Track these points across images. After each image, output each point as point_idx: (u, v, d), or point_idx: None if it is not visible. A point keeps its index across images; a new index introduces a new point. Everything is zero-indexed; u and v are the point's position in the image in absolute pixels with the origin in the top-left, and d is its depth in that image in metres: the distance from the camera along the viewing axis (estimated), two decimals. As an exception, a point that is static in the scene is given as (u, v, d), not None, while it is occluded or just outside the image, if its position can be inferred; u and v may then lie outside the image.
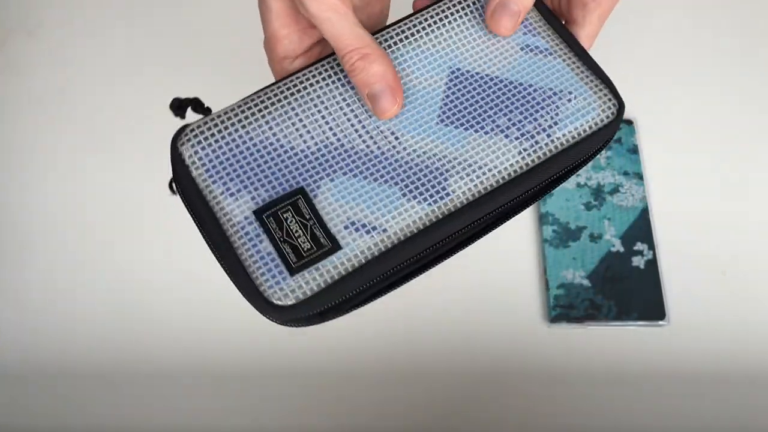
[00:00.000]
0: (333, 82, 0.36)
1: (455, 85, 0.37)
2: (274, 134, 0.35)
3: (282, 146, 0.35)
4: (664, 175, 0.60)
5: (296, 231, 0.33)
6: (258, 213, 0.33)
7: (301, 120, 0.35)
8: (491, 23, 0.37)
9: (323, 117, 0.36)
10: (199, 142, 0.34)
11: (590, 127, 0.37)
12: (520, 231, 0.58)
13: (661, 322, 0.54)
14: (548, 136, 0.37)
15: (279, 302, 0.32)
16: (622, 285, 0.55)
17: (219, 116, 0.35)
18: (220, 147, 0.34)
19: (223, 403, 0.54)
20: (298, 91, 0.36)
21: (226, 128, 0.35)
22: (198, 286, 0.57)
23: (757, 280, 0.56)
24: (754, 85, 0.64)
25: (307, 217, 0.33)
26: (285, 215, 0.33)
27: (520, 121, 0.37)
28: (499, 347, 0.55)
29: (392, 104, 0.35)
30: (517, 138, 0.36)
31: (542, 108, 0.37)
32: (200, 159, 0.34)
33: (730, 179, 0.60)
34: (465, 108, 0.37)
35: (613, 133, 0.37)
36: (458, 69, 0.38)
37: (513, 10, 0.37)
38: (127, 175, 0.62)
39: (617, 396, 0.53)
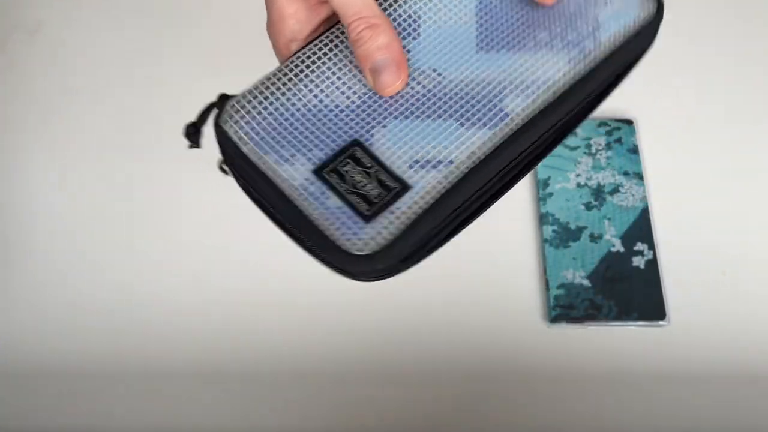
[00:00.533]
0: None
1: (486, 10, 0.37)
2: (315, 95, 0.34)
3: (326, 105, 0.34)
4: (664, 175, 0.60)
5: (360, 181, 0.32)
6: (317, 171, 0.32)
7: (339, 77, 0.35)
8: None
9: (360, 70, 0.35)
10: (242, 117, 0.34)
11: (633, 26, 0.36)
12: (520, 231, 0.58)
13: (661, 322, 0.54)
14: (594, 40, 0.36)
15: (360, 252, 0.31)
16: (622, 285, 0.55)
17: (256, 88, 0.34)
18: (264, 118, 0.34)
19: (223, 403, 0.54)
20: (330, 49, 0.35)
21: (266, 98, 0.34)
22: (198, 286, 0.57)
23: (757, 280, 0.56)
24: (755, 85, 0.64)
25: (369, 165, 0.33)
26: (345, 168, 0.32)
27: (561, 32, 0.36)
28: (499, 347, 0.55)
29: (396, 79, 0.34)
30: (562, 48, 0.35)
31: (581, 16, 0.36)
32: (247, 134, 0.33)
33: (731, 179, 0.60)
34: (502, 31, 0.36)
35: (655, 31, 0.37)
36: None
37: None
38: (128, 174, 0.62)
39: (617, 396, 0.53)
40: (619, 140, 0.61)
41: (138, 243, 0.59)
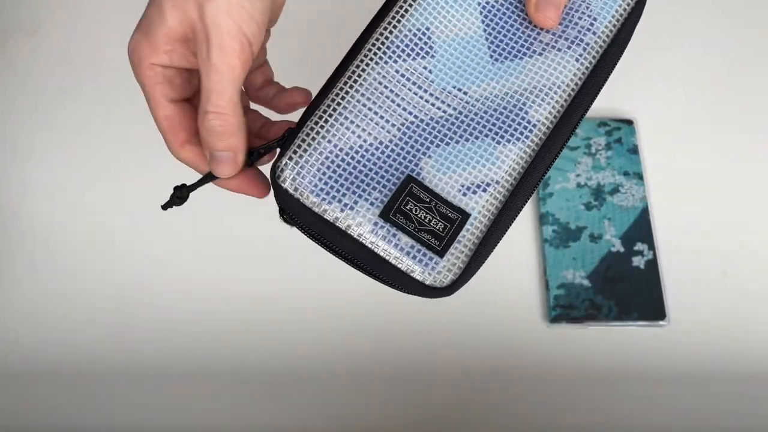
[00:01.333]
0: (385, 62, 0.36)
1: (491, 19, 0.37)
2: (357, 135, 0.35)
3: (370, 143, 0.35)
4: (664, 175, 0.60)
5: (425, 217, 0.34)
6: (384, 215, 0.34)
7: (374, 111, 0.35)
8: (535, 17, 0.37)
9: (392, 100, 0.35)
10: (298, 172, 0.34)
11: (625, 9, 0.38)
12: (520, 231, 0.58)
13: (661, 322, 0.54)
14: (594, 33, 0.37)
15: (442, 285, 0.34)
16: (622, 285, 0.55)
17: (301, 139, 0.35)
18: (318, 169, 0.34)
19: (223, 403, 0.54)
20: (357, 82, 0.35)
21: (314, 148, 0.34)
22: (198, 287, 0.57)
23: (757, 280, 0.56)
24: (755, 84, 0.64)
25: (427, 200, 0.34)
26: (408, 207, 0.34)
27: (563, 31, 0.37)
28: (499, 347, 0.55)
29: (232, 171, 0.35)
30: (568, 47, 0.37)
31: (576, 10, 0.37)
32: (306, 187, 0.34)
33: (730, 179, 0.60)
34: (510, 38, 0.37)
35: (641, 10, 0.38)
36: (487, 2, 0.37)
37: (555, 1, 0.36)
38: (127, 175, 0.62)
39: (617, 396, 0.53)
40: (619, 140, 0.61)
41: (138, 243, 0.59)
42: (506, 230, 0.35)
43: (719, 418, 0.52)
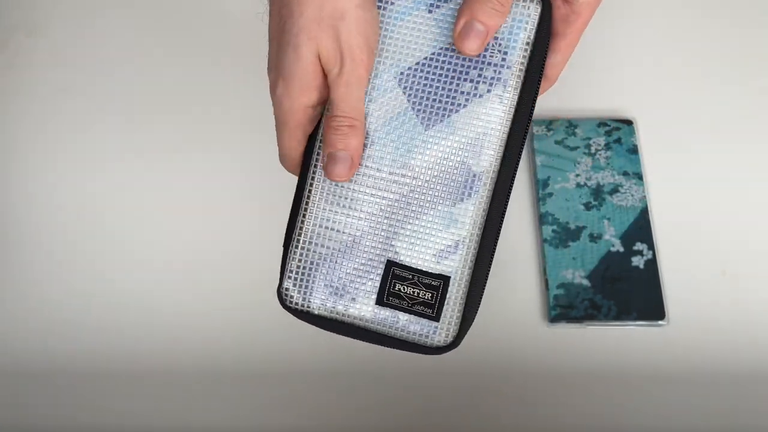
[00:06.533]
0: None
1: (409, 88, 0.39)
2: (334, 240, 0.39)
3: (349, 238, 0.39)
4: (664, 175, 0.60)
5: (413, 291, 0.39)
6: (379, 302, 0.39)
7: (338, 214, 0.39)
8: (457, 45, 0.38)
9: (348, 197, 0.39)
10: (300, 292, 0.40)
11: (531, 31, 0.38)
12: (520, 231, 0.58)
13: (660, 322, 0.54)
14: (508, 68, 0.38)
15: (445, 343, 0.39)
16: (622, 285, 0.55)
17: (292, 264, 0.40)
18: (316, 283, 0.39)
19: (223, 404, 0.54)
20: (313, 192, 0.39)
21: (305, 267, 0.39)
22: (198, 287, 0.57)
23: (757, 280, 0.56)
24: (755, 84, 0.64)
25: (410, 276, 0.39)
26: (396, 288, 0.39)
27: (479, 75, 0.38)
28: (498, 347, 0.55)
29: (345, 174, 0.38)
30: (488, 90, 0.38)
31: (486, 49, 0.38)
32: (308, 302, 0.40)
33: (730, 179, 0.60)
34: (433, 100, 0.38)
35: (548, 29, 0.39)
36: (401, 73, 0.39)
37: (479, 30, 0.37)
38: (128, 174, 0.62)
39: (617, 396, 0.53)
40: (618, 140, 0.61)
41: (138, 243, 0.59)
42: (488, 270, 0.39)
43: (719, 418, 0.52)
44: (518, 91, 0.38)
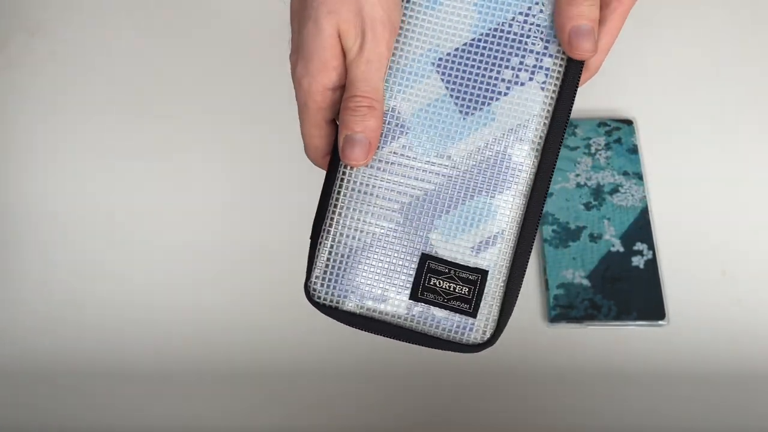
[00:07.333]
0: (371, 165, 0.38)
1: (448, 74, 0.37)
2: (366, 232, 0.37)
3: (380, 236, 0.37)
4: (664, 175, 0.60)
5: (449, 286, 0.37)
6: (413, 296, 0.37)
7: (372, 205, 0.37)
8: (572, 53, 0.37)
9: (384, 188, 0.37)
10: (329, 286, 0.37)
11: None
12: (519, 231, 0.58)
13: (660, 322, 0.54)
14: (550, 56, 0.37)
15: (482, 340, 0.37)
16: (622, 285, 0.55)
17: (321, 256, 0.38)
18: (346, 278, 0.37)
19: (223, 404, 0.54)
20: (347, 185, 0.37)
21: (335, 260, 0.37)
22: (198, 287, 0.57)
23: (757, 280, 0.56)
24: (755, 84, 0.64)
25: (446, 270, 0.37)
26: (431, 282, 0.37)
27: (520, 62, 0.37)
28: (498, 347, 0.54)
29: (362, 157, 0.37)
30: (530, 78, 0.37)
31: (527, 36, 0.37)
32: (341, 297, 0.37)
33: (730, 179, 0.60)
34: (473, 88, 0.37)
35: None
36: (439, 59, 0.37)
37: (586, 30, 0.36)
38: (128, 175, 0.62)
39: (617, 396, 0.53)
40: (618, 140, 0.61)
41: (138, 243, 0.59)
42: (525, 266, 0.37)
43: (719, 418, 0.52)
44: (559, 80, 0.37)
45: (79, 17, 0.69)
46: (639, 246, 0.57)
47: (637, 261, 0.56)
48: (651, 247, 0.57)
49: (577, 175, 0.59)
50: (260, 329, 0.56)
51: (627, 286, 0.55)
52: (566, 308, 0.54)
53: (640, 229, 0.57)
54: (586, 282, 0.55)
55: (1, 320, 0.57)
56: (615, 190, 0.59)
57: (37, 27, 0.69)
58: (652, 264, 0.56)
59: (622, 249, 0.57)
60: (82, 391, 0.54)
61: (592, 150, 0.61)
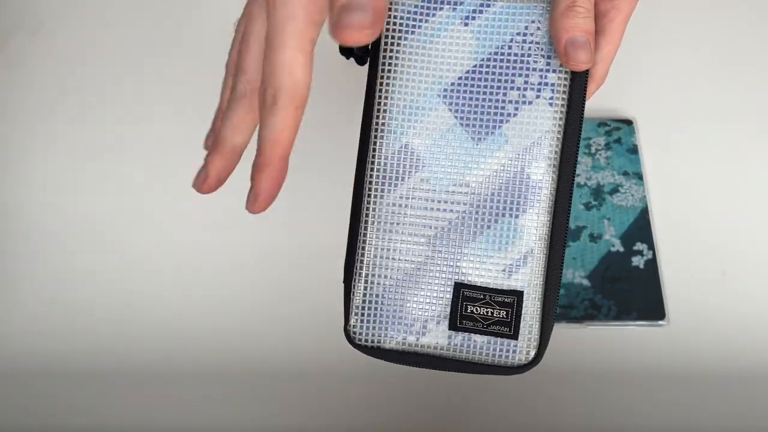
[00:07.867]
0: (386, 194, 0.38)
1: (455, 103, 0.38)
2: (397, 269, 0.38)
3: (410, 271, 0.37)
4: (664, 175, 0.60)
5: (487, 312, 0.37)
6: (452, 327, 0.37)
7: (399, 242, 0.38)
8: (569, 64, 0.37)
9: (408, 224, 0.38)
10: (368, 328, 0.38)
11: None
12: (519, 231, 0.58)
13: (660, 322, 0.54)
14: (554, 71, 0.37)
15: (528, 360, 0.37)
16: (622, 285, 0.55)
17: (356, 299, 0.38)
18: (384, 317, 0.38)
19: (224, 403, 0.54)
20: (372, 224, 0.38)
21: (371, 301, 0.38)
22: (197, 287, 0.57)
23: (757, 280, 0.56)
24: (754, 84, 0.64)
25: (482, 296, 0.37)
26: (468, 310, 0.37)
27: (525, 82, 0.37)
28: (498, 347, 0.55)
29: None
30: (537, 96, 0.37)
31: (528, 55, 0.37)
32: (379, 337, 0.38)
33: (730, 179, 0.60)
34: (481, 114, 0.37)
35: None
36: (443, 89, 0.38)
37: (582, 42, 0.36)
38: (129, 175, 0.62)
39: (617, 396, 0.53)
40: (618, 140, 0.61)
41: (137, 243, 0.59)
42: (559, 281, 0.38)
43: (719, 418, 0.52)
44: (566, 94, 0.37)
45: (79, 17, 0.69)
46: (639, 246, 0.57)
47: (637, 261, 0.56)
48: (651, 247, 0.57)
49: (577, 175, 0.59)
50: (260, 329, 0.56)
51: (627, 286, 0.55)
52: (566, 308, 0.54)
53: (640, 229, 0.57)
54: (585, 282, 0.55)
55: (1, 320, 0.57)
56: (615, 190, 0.59)
57: (37, 27, 0.69)
58: (652, 264, 0.56)
59: (622, 249, 0.57)
60: (82, 392, 0.54)
61: (592, 150, 0.61)
